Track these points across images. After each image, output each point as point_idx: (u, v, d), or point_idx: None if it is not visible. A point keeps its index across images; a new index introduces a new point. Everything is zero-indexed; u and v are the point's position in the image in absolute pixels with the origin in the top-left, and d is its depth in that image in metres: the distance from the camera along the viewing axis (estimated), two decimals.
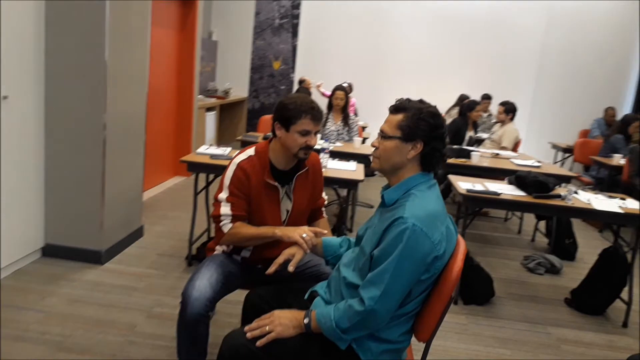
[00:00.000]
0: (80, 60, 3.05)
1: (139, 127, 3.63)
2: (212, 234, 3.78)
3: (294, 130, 1.90)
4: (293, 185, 2.04)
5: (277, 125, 1.94)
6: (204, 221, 3.77)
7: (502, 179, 3.52)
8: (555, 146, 7.53)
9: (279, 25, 8.90)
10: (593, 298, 3.28)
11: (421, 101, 1.61)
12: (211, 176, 3.60)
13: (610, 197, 3.35)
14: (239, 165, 1.95)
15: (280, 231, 1.84)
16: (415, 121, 1.54)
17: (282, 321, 1.56)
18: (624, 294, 3.24)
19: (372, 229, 1.61)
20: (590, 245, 4.78)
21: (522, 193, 3.20)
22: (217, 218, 1.96)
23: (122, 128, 3.36)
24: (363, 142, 5.19)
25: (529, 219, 5.22)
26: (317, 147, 4.40)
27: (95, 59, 3.04)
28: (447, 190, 5.67)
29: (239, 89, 8.91)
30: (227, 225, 1.94)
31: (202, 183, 3.49)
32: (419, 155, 1.56)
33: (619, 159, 5.51)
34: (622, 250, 3.24)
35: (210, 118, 6.99)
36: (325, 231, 1.85)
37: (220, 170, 3.34)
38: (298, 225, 2.10)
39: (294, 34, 8.89)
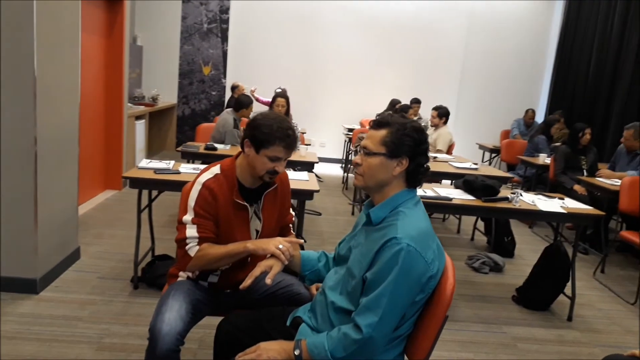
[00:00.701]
0: (6, 71, 2.75)
1: (72, 139, 3.35)
2: (158, 253, 3.56)
3: (263, 154, 1.80)
4: (262, 203, 1.94)
5: (247, 143, 1.83)
6: (146, 239, 3.54)
7: (439, 182, 3.60)
8: (482, 147, 7.87)
9: (207, 29, 8.65)
10: (539, 294, 3.43)
11: (403, 116, 1.58)
12: (154, 192, 3.39)
13: (550, 197, 3.52)
14: (205, 184, 1.82)
15: (253, 244, 1.74)
16: (400, 137, 1.50)
17: (270, 354, 1.47)
18: (567, 290, 3.41)
19: (358, 249, 1.55)
20: (524, 242, 5.03)
21: (471, 197, 3.28)
22: (182, 242, 1.81)
23: (55, 141, 3.08)
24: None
25: (467, 218, 5.42)
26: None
27: (24, 69, 2.75)
28: None
29: (167, 95, 8.57)
30: (193, 249, 1.81)
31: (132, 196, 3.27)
32: (404, 171, 1.52)
33: (544, 159, 5.85)
34: (563, 247, 3.42)
35: (140, 127, 6.64)
36: (302, 240, 1.79)
37: (165, 186, 3.16)
38: None
39: (224, 38, 8.69)
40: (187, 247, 1.80)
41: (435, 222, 5.58)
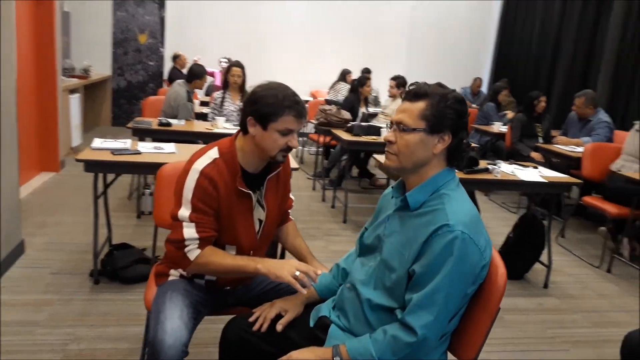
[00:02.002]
0: None
1: (10, 117, 2.91)
2: (115, 241, 3.22)
3: (273, 129, 1.55)
4: (264, 189, 1.70)
5: (251, 122, 1.57)
6: (101, 226, 3.18)
7: None
8: None
9: None
10: (517, 264, 3.43)
11: (441, 85, 1.39)
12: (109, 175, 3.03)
13: (524, 166, 3.50)
14: (203, 172, 1.54)
15: (264, 267, 1.50)
16: (442, 109, 1.32)
17: None
18: (543, 258, 3.44)
19: (393, 238, 1.37)
20: (484, 210, 5.07)
21: None
22: (179, 243, 1.55)
23: None
24: None
25: None
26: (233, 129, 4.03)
27: None
28: (366, 172, 5.63)
29: (101, 67, 7.90)
30: (193, 252, 1.55)
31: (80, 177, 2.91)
32: (446, 148, 1.35)
33: (499, 127, 5.91)
34: (538, 216, 3.42)
35: (75, 101, 6.06)
36: (320, 271, 1.50)
37: (126, 168, 2.83)
38: (270, 236, 1.80)
39: (161, 4, 8.08)
40: (185, 249, 1.55)
41: None
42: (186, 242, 1.54)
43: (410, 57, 9.13)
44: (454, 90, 1.37)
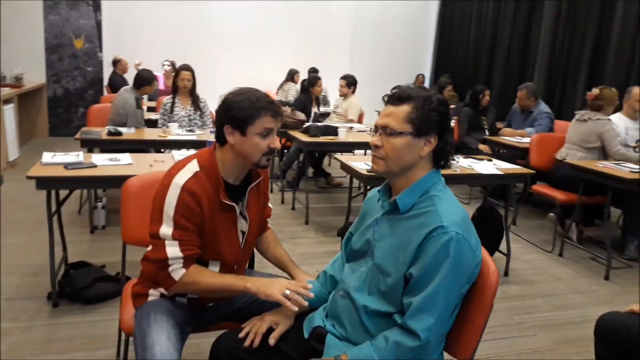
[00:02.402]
0: None
1: None
2: (71, 260, 3.06)
3: (252, 133, 1.51)
4: (246, 200, 1.66)
5: (228, 130, 1.52)
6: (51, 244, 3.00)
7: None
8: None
9: None
10: None
11: (423, 87, 1.40)
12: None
13: (479, 160, 3.62)
14: (185, 187, 1.48)
15: (254, 286, 1.48)
16: (427, 112, 1.33)
17: None
18: (502, 247, 3.57)
19: (385, 242, 1.37)
20: None
21: None
22: (162, 262, 1.48)
23: None
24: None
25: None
26: (192, 137, 3.91)
27: None
28: (321, 171, 5.61)
29: (34, 74, 7.47)
30: (178, 271, 1.49)
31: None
32: (432, 151, 1.36)
33: None
34: (495, 207, 3.55)
35: (9, 112, 5.70)
36: (310, 286, 1.51)
37: (83, 183, 2.69)
38: (252, 247, 1.77)
39: (96, 7, 7.74)
40: (169, 269, 1.48)
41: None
42: (170, 262, 1.47)
43: (354, 56, 9.24)
44: (436, 93, 1.38)
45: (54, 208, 2.74)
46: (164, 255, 1.47)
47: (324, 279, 1.63)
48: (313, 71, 7.83)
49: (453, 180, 3.51)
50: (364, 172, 3.02)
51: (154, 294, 1.64)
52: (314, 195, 5.30)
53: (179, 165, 1.55)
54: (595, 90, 4.17)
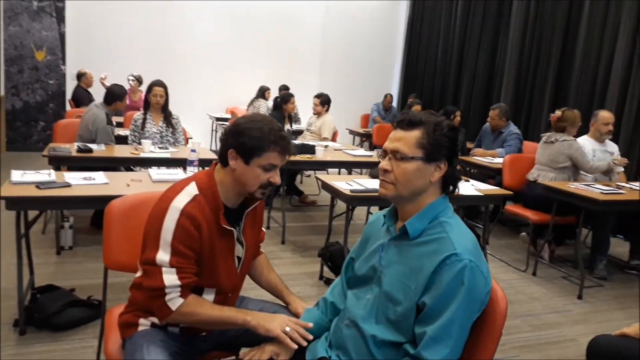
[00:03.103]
0: None
1: None
2: (38, 284, 2.88)
3: (256, 164, 1.46)
4: (243, 225, 1.60)
5: (233, 154, 1.47)
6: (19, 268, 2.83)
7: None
8: (352, 132, 8.05)
9: (38, 8, 7.40)
10: None
11: (432, 112, 1.39)
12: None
13: (465, 180, 3.66)
14: (185, 212, 1.41)
15: (254, 320, 1.45)
16: (438, 137, 1.32)
17: None
18: None
19: (393, 269, 1.34)
20: None
21: None
22: (158, 291, 1.40)
23: None
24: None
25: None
26: (166, 155, 3.80)
27: None
28: (294, 189, 5.55)
29: None
30: (176, 300, 1.41)
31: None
32: (441, 176, 1.35)
33: None
34: (474, 227, 3.58)
35: None
36: (311, 325, 1.49)
37: (56, 204, 2.55)
38: (246, 273, 1.70)
39: (60, 18, 7.52)
40: (166, 298, 1.40)
41: (327, 210, 5.51)
42: (166, 290, 1.39)
43: (323, 75, 9.28)
44: (445, 118, 1.38)
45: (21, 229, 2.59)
46: (161, 284, 1.39)
47: (324, 307, 1.58)
48: (284, 88, 7.82)
49: None
50: (348, 193, 2.99)
51: (144, 323, 1.55)
52: (289, 214, 5.23)
53: (177, 188, 1.48)
54: (557, 112, 4.31)
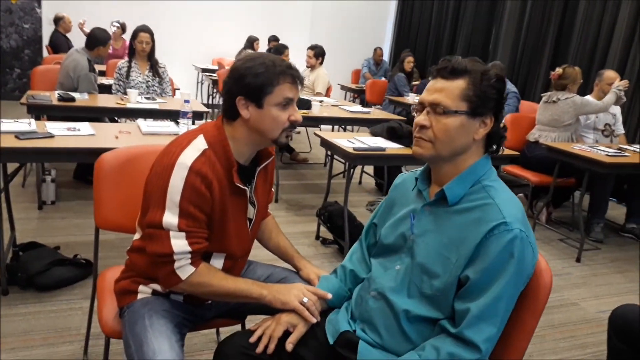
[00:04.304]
0: None
1: None
2: (20, 241, 2.71)
3: (270, 104, 1.29)
4: (255, 183, 1.44)
5: (242, 102, 1.29)
6: None
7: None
8: (344, 87, 7.80)
9: None
10: None
11: (477, 60, 1.21)
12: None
13: None
14: (194, 168, 1.23)
15: (270, 293, 1.32)
16: (485, 89, 1.16)
17: None
18: None
19: (429, 238, 1.20)
20: None
21: (398, 145, 3.10)
22: (166, 257, 1.25)
23: None
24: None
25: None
26: (154, 106, 3.57)
27: None
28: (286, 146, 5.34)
29: None
30: (186, 269, 1.26)
31: None
32: (486, 134, 1.19)
33: (413, 98, 5.97)
34: None
35: None
36: (329, 295, 1.37)
37: (38, 155, 2.34)
38: (255, 237, 1.54)
39: None
40: (175, 265, 1.25)
41: (317, 169, 5.37)
42: (175, 257, 1.24)
43: (314, 26, 8.92)
44: (491, 67, 1.21)
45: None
46: (169, 250, 1.23)
47: (342, 275, 1.44)
48: (274, 39, 7.50)
49: None
50: (351, 151, 2.83)
51: (144, 291, 1.40)
52: (280, 172, 5.07)
53: (182, 142, 1.30)
54: (558, 70, 4.17)
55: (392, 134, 3.18)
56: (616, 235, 4.19)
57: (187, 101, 2.69)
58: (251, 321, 1.73)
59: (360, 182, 4.95)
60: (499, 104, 1.19)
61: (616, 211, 4.64)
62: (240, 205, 1.37)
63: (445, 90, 1.16)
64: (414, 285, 1.20)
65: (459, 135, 1.16)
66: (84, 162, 3.54)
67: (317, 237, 3.40)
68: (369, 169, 4.95)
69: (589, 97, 4.19)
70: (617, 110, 4.39)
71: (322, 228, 3.36)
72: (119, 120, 3.87)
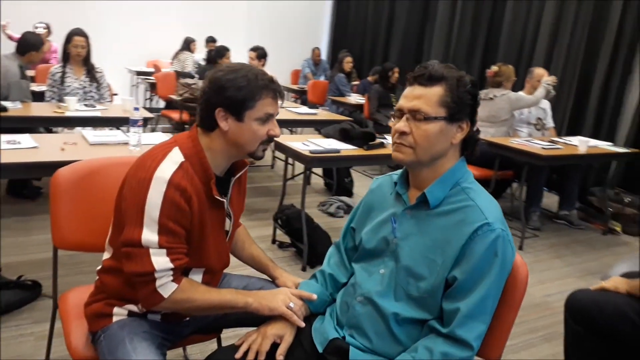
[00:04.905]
0: None
1: None
2: None
3: (251, 118, 1.27)
4: (230, 194, 1.41)
5: (221, 114, 1.26)
6: None
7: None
8: (284, 88, 7.78)
9: None
10: None
11: (451, 66, 1.25)
12: None
13: None
14: (172, 182, 1.19)
15: (256, 301, 1.30)
16: (461, 94, 1.20)
17: None
18: None
19: (412, 241, 1.23)
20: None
21: (349, 147, 3.14)
22: (147, 276, 1.20)
23: None
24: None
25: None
26: (96, 113, 3.40)
27: None
28: None
29: None
30: (167, 286, 1.21)
31: None
32: (463, 138, 1.24)
33: (356, 98, 6.07)
34: None
35: None
36: (314, 296, 1.37)
37: None
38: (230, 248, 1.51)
39: None
40: (156, 283, 1.20)
41: (265, 171, 5.34)
42: (157, 275, 1.19)
43: (250, 27, 8.83)
44: (465, 73, 1.26)
45: None
46: (150, 267, 1.18)
47: (322, 279, 1.45)
48: (211, 40, 7.38)
49: (390, 159, 3.48)
50: (307, 154, 2.84)
51: (119, 312, 1.34)
52: None
53: (156, 155, 1.25)
54: (494, 68, 4.40)
55: (344, 135, 3.22)
56: (551, 222, 4.47)
57: (136, 108, 2.59)
58: (226, 334, 1.71)
59: (309, 183, 4.96)
60: (474, 108, 1.24)
61: (548, 199, 4.93)
62: (219, 218, 1.34)
63: (424, 97, 1.20)
64: (400, 288, 1.22)
65: (438, 141, 1.20)
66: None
67: (274, 241, 3.38)
68: (318, 169, 4.97)
69: (521, 93, 4.43)
70: (547, 105, 4.68)
71: (278, 232, 3.35)
72: (54, 130, 3.67)
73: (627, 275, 1.90)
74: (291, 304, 1.30)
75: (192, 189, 1.23)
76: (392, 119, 1.27)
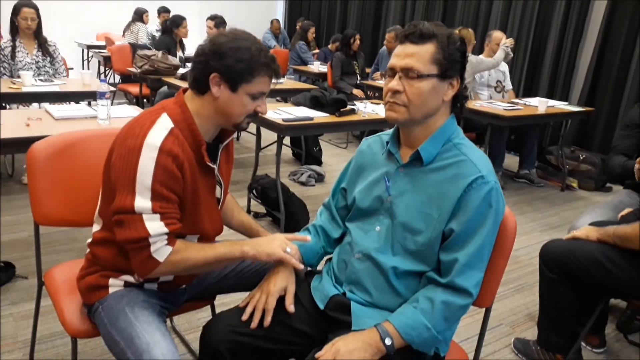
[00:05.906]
0: None
1: None
2: None
3: (244, 91, 1.25)
4: (219, 161, 1.40)
5: (216, 80, 1.23)
6: None
7: None
8: None
9: None
10: None
11: (439, 24, 1.27)
12: None
13: (377, 104, 3.65)
14: (164, 149, 1.17)
15: (252, 248, 1.28)
16: (452, 51, 1.22)
17: (356, 354, 1.12)
18: None
19: (407, 197, 1.26)
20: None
21: (321, 114, 3.14)
22: (141, 242, 1.18)
23: None
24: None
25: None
26: (55, 88, 3.24)
27: None
28: None
29: None
30: (162, 250, 1.20)
31: None
32: (453, 95, 1.27)
33: (318, 67, 6.03)
34: None
35: None
36: (308, 237, 1.40)
37: None
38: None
39: None
40: (151, 248, 1.19)
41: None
42: (151, 240, 1.18)
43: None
44: (452, 30, 1.27)
45: None
46: (144, 233, 1.17)
47: (314, 231, 1.47)
48: (164, 10, 7.13)
49: (363, 125, 3.51)
50: (281, 122, 2.82)
51: (115, 284, 1.33)
52: None
53: (144, 122, 1.22)
54: (455, 31, 4.46)
55: (315, 102, 3.21)
56: (512, 181, 4.64)
57: (103, 80, 2.50)
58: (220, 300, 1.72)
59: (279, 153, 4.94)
60: (463, 65, 1.26)
61: (508, 160, 5.11)
62: (210, 185, 1.34)
63: (416, 54, 1.21)
64: (397, 244, 1.26)
65: (431, 98, 1.22)
66: None
67: (249, 211, 3.38)
68: (286, 140, 4.94)
69: (481, 56, 4.52)
70: (505, 67, 4.79)
71: (253, 202, 3.34)
72: (8, 106, 3.49)
73: (595, 224, 2.02)
74: (288, 249, 1.30)
75: (184, 155, 1.22)
76: (384, 79, 1.28)
